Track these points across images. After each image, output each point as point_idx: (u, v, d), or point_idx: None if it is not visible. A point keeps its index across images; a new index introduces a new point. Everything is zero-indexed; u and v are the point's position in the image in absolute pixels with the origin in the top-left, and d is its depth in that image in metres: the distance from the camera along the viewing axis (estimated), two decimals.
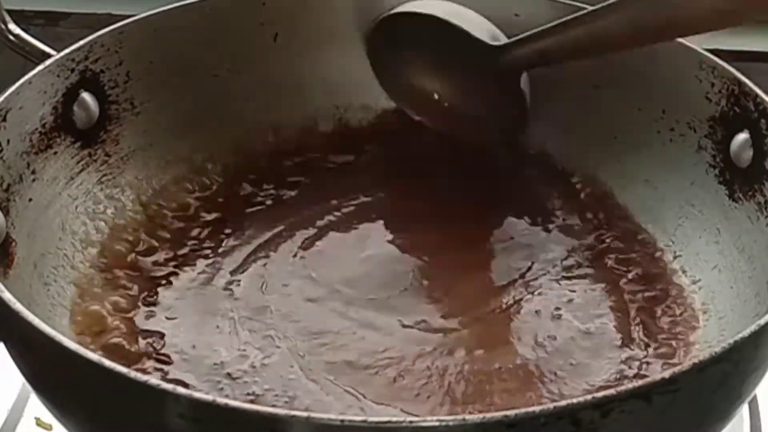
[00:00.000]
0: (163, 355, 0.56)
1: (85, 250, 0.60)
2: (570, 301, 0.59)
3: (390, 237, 0.63)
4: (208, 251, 0.62)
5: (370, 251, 0.62)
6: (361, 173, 0.67)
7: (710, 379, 0.45)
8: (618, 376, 0.55)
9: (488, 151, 0.67)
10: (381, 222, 0.64)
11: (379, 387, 0.54)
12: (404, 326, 0.57)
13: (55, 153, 0.60)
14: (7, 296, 0.47)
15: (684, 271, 0.61)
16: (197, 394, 0.43)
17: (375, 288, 0.59)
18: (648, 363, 0.56)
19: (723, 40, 0.83)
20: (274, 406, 0.51)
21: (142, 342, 0.56)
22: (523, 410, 0.42)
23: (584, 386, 0.54)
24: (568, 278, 0.60)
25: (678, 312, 0.59)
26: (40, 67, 0.59)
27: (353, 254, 0.62)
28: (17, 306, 0.46)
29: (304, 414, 0.42)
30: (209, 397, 0.42)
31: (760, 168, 0.58)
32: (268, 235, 0.63)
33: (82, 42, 0.61)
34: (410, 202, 0.65)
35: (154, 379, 0.43)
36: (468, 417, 0.41)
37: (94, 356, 0.44)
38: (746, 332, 0.45)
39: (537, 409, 0.42)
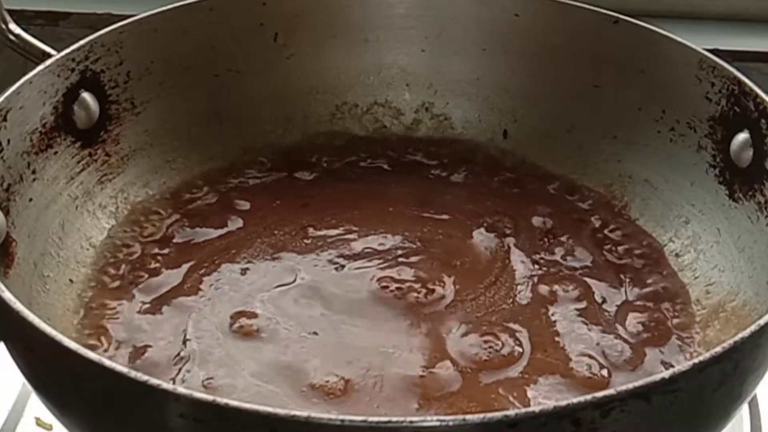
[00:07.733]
0: None
1: (86, 249, 0.60)
2: (570, 299, 0.59)
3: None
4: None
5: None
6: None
7: (710, 379, 0.45)
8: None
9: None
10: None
11: None
12: None
13: (56, 153, 0.60)
14: (7, 296, 0.47)
15: (683, 271, 0.61)
16: (197, 394, 0.43)
17: None
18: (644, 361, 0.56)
19: (723, 40, 0.84)
20: None
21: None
22: (523, 410, 0.42)
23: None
24: (568, 277, 0.60)
25: (677, 311, 0.59)
26: (41, 67, 0.59)
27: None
28: (17, 306, 0.46)
29: (304, 414, 0.42)
30: (209, 397, 0.42)
31: (760, 168, 0.58)
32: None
33: (82, 42, 0.61)
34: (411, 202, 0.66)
35: (154, 379, 0.43)
36: (468, 417, 0.41)
37: (95, 356, 0.44)
38: (746, 332, 0.45)
39: (537, 408, 0.42)
